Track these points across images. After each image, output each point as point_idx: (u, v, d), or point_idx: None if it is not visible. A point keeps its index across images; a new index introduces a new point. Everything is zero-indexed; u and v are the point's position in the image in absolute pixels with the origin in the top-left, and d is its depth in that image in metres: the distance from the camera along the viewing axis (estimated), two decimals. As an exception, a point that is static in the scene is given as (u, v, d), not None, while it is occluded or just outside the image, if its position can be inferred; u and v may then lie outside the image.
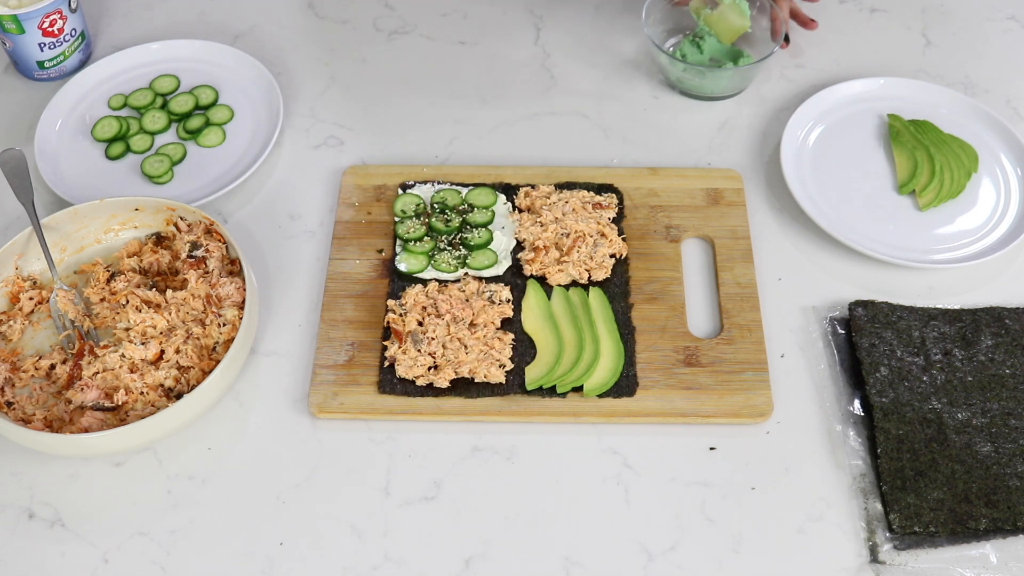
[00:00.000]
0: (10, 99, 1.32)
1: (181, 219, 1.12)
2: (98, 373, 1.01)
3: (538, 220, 1.14)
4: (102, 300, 1.08)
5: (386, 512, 0.97)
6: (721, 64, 1.30)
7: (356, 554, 0.95)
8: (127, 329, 1.04)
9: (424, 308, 1.07)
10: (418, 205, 1.17)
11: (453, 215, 1.15)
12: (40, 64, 1.31)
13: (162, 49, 1.34)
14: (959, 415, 1.00)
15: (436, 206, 1.16)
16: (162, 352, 1.03)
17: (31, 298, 1.09)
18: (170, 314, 1.04)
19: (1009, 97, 1.32)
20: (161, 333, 1.03)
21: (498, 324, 1.07)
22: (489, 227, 1.15)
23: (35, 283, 1.10)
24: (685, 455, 1.00)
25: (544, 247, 1.12)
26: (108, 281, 1.09)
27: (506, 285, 1.10)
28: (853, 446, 1.00)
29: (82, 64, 1.35)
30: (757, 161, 1.24)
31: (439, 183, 1.19)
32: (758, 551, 0.95)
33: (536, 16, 1.42)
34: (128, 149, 1.25)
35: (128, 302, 1.06)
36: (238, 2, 1.44)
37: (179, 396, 1.00)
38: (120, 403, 0.99)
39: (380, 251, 1.14)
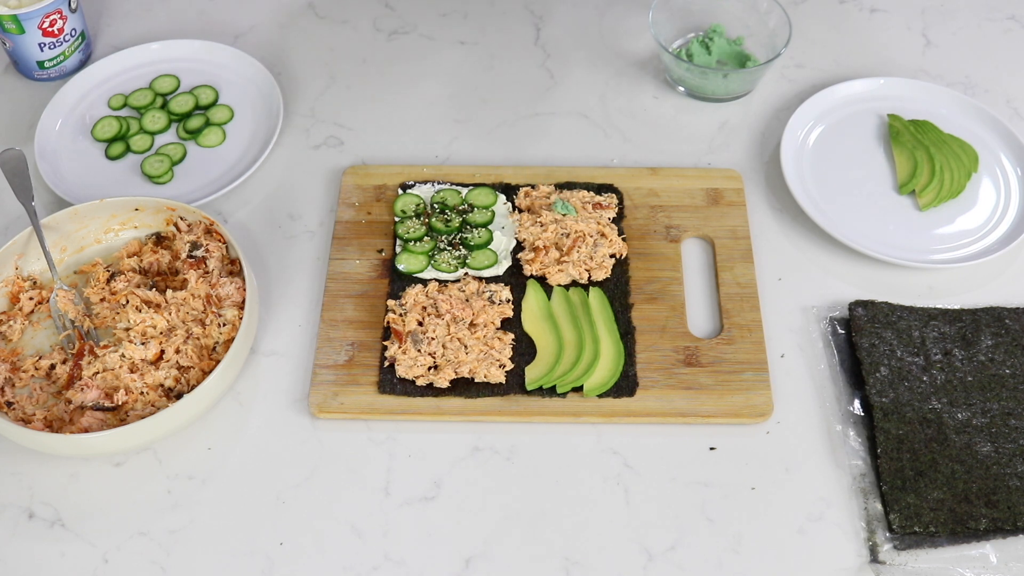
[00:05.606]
0: (10, 99, 1.32)
1: (181, 219, 1.12)
2: (98, 373, 1.01)
3: (538, 220, 1.14)
4: (102, 300, 1.08)
5: (386, 512, 0.97)
6: (726, 66, 1.30)
7: (356, 554, 0.95)
8: (127, 329, 1.04)
9: (424, 308, 1.07)
10: (418, 205, 1.17)
11: (453, 215, 1.15)
12: (40, 64, 1.31)
13: (162, 49, 1.34)
14: (959, 415, 1.00)
15: (436, 206, 1.16)
16: (162, 352, 1.03)
17: (31, 298, 1.09)
18: (170, 314, 1.04)
19: (1009, 97, 1.32)
20: (161, 333, 1.03)
21: (498, 324, 1.07)
22: (489, 227, 1.15)
23: (35, 283, 1.10)
24: (685, 455, 1.00)
25: (544, 247, 1.11)
26: (108, 281, 1.09)
27: (506, 285, 1.10)
28: (853, 446, 1.00)
29: (82, 64, 1.35)
30: (757, 161, 1.24)
31: (439, 183, 1.19)
32: (758, 551, 0.95)
33: (536, 16, 1.42)
34: (128, 149, 1.25)
35: (128, 302, 1.06)
36: (238, 2, 1.44)
37: (179, 396, 1.00)
38: (120, 403, 0.99)
39: (380, 251, 1.14)
